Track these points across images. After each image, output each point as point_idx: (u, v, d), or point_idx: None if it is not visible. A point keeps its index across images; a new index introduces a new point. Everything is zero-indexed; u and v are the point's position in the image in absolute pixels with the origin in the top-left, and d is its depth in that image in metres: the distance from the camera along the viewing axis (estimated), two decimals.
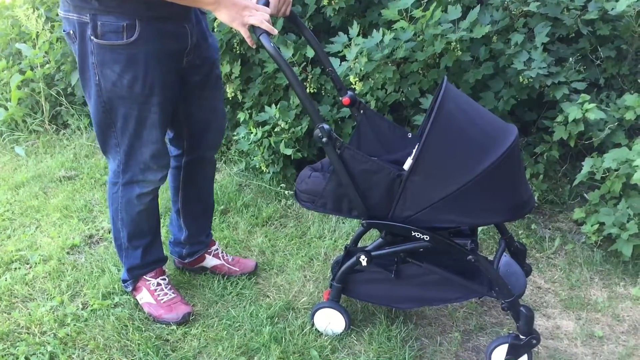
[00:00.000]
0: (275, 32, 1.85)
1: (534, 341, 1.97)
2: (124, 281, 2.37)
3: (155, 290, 2.30)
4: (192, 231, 2.47)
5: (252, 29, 1.86)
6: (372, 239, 2.53)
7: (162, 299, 2.29)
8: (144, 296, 2.32)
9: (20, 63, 4.30)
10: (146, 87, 1.93)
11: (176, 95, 2.08)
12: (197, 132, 2.26)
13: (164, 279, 2.35)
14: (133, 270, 2.31)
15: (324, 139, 1.89)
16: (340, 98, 2.18)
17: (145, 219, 2.24)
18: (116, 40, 1.84)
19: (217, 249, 2.55)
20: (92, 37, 1.85)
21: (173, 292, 2.33)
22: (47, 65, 4.19)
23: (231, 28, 3.12)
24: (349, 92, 2.17)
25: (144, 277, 2.32)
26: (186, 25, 1.97)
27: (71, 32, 1.90)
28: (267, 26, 1.82)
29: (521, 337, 1.97)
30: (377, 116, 2.25)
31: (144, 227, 2.25)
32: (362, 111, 2.20)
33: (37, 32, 4.11)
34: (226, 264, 2.52)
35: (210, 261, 2.53)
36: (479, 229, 2.78)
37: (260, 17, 1.81)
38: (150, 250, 2.31)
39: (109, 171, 2.16)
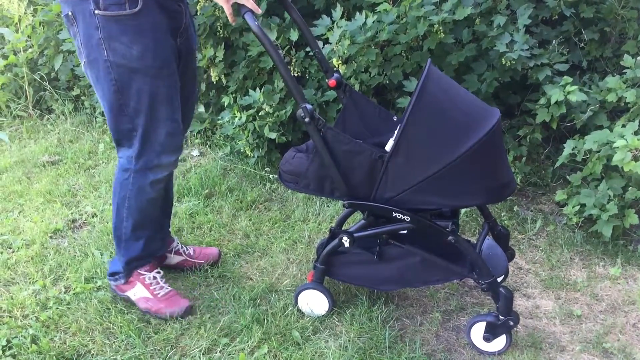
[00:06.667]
0: (260, 11, 1.85)
1: (511, 322, 1.99)
2: (114, 274, 2.25)
3: (151, 284, 2.22)
4: None
5: (237, 7, 1.86)
6: (357, 221, 2.54)
7: (158, 293, 2.21)
8: (137, 291, 2.22)
9: (2, 48, 4.25)
10: (157, 59, 1.91)
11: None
12: None
13: (159, 272, 2.27)
14: (131, 262, 2.21)
15: (307, 119, 1.88)
16: (327, 80, 2.17)
17: (154, 208, 2.17)
18: (120, 11, 1.83)
19: (177, 245, 2.46)
20: (95, 12, 1.82)
21: (168, 286, 2.25)
22: (30, 50, 4.14)
23: (214, 11, 3.14)
24: (336, 74, 2.17)
25: (139, 270, 2.22)
26: (181, 4, 1.99)
27: (69, 13, 1.87)
28: (251, 4, 1.82)
29: (500, 317, 1.99)
30: (363, 99, 2.24)
31: (151, 216, 2.18)
32: (348, 94, 2.20)
33: (20, 16, 4.07)
34: (189, 259, 2.46)
35: (172, 259, 2.45)
36: (462, 211, 2.80)
37: None
38: (152, 242, 2.23)
39: (119, 159, 2.09)
